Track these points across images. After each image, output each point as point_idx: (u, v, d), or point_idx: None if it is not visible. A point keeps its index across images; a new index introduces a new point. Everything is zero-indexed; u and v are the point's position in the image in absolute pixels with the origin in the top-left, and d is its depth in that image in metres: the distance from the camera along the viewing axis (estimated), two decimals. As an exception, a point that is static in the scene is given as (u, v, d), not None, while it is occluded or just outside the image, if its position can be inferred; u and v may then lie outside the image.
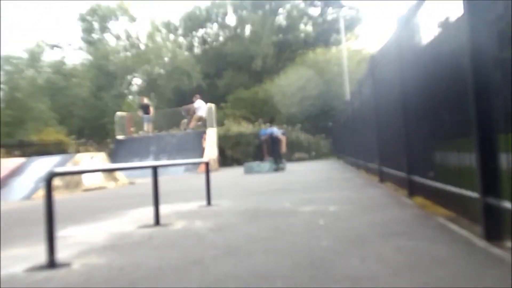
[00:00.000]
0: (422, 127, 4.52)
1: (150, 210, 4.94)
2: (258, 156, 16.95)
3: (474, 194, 2.97)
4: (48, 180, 3.11)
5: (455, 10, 3.14)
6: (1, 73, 30.82)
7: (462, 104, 3.13)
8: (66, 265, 3.06)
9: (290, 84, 27.70)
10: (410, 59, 4.81)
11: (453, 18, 3.30)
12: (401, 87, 5.32)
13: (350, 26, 32.50)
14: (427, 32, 4.04)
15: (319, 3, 34.92)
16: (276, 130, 15.40)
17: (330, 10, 34.34)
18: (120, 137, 20.19)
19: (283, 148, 15.10)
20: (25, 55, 33.16)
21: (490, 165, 2.77)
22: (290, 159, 20.65)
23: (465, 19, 2.93)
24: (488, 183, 2.79)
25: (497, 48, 2.64)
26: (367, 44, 35.20)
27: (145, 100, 21.21)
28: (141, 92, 32.94)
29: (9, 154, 19.26)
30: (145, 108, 20.29)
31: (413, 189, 5.11)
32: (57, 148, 21.17)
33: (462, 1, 2.94)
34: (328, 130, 24.38)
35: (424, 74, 4.24)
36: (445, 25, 3.50)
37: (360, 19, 34.47)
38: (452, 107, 3.49)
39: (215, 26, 36.63)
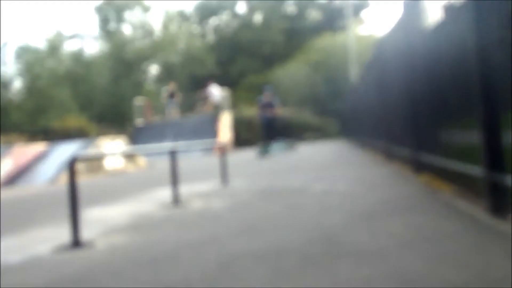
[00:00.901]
0: (428, 106, 4.62)
1: (170, 191, 5.11)
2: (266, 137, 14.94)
3: (479, 171, 3.09)
4: (71, 164, 3.28)
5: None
6: (22, 62, 31.33)
7: (467, 84, 3.23)
8: (89, 244, 3.24)
9: (299, 69, 28.33)
10: (416, 42, 4.88)
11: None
12: (407, 69, 5.40)
13: (356, 11, 32.41)
14: (433, 15, 4.11)
15: None
16: (273, 100, 13.48)
17: None
18: (138, 122, 20.42)
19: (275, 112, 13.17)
20: (44, 45, 33.58)
21: (494, 142, 2.88)
22: (300, 139, 20.83)
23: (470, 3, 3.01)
24: (493, 159, 2.90)
25: (500, 30, 2.73)
26: (373, 29, 35.30)
27: (172, 86, 21.27)
28: (158, 80, 33.23)
29: (33, 140, 19.50)
30: (171, 94, 20.50)
31: (419, 167, 5.22)
32: (79, 134, 21.34)
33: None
34: (336, 112, 24.48)
35: (430, 55, 4.32)
36: (450, 9, 3.57)
37: (367, 3, 34.64)
38: (457, 88, 3.58)
39: (227, 14, 37.10)
